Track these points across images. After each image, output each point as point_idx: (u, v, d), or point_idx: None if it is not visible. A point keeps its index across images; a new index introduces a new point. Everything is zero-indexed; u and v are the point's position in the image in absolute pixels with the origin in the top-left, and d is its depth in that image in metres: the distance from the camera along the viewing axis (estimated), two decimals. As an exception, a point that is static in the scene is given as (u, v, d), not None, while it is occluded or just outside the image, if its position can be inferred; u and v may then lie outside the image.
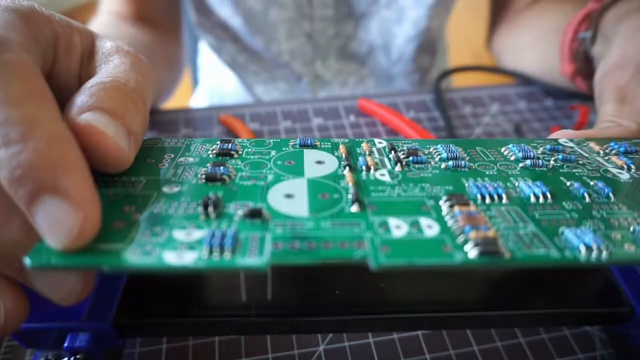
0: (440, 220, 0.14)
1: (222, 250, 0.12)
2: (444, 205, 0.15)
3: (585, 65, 0.31)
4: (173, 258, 0.12)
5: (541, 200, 0.15)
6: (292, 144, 0.18)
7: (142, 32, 0.42)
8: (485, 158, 0.18)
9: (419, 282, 0.18)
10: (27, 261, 0.12)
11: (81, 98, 0.15)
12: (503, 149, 0.18)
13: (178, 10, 0.47)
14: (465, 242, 0.13)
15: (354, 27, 0.46)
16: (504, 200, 0.15)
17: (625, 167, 0.17)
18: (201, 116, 0.35)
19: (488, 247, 0.13)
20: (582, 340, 0.20)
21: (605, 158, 0.18)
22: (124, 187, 0.15)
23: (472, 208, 0.14)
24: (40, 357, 0.16)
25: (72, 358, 0.16)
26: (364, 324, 0.17)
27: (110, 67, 0.17)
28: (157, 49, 0.42)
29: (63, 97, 0.15)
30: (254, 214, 0.14)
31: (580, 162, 0.18)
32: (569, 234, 0.13)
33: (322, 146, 0.18)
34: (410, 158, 0.17)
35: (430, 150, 0.18)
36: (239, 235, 0.13)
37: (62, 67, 0.17)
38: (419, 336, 0.20)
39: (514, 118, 0.35)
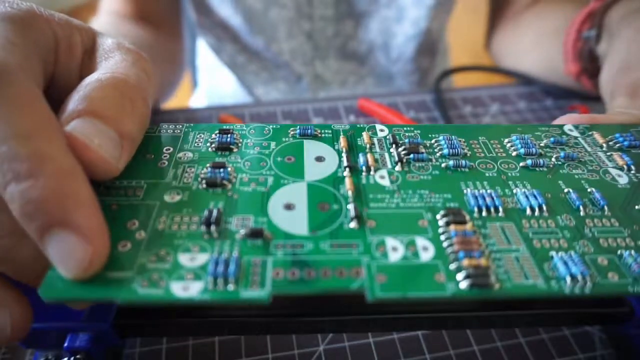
0: (435, 240, 0.14)
1: (226, 281, 0.13)
2: (441, 221, 0.15)
3: (590, 64, 0.31)
4: (179, 290, 0.12)
5: (537, 213, 0.15)
6: (291, 133, 0.18)
7: (143, 31, 0.42)
8: (487, 153, 0.18)
9: None
10: (40, 294, 0.12)
11: (73, 100, 0.14)
12: (506, 140, 0.18)
13: (178, 9, 0.47)
14: (458, 269, 0.13)
15: (354, 27, 0.46)
16: (500, 214, 0.15)
17: (626, 167, 0.17)
18: (201, 116, 0.35)
19: (479, 280, 0.13)
20: (582, 340, 0.20)
21: (608, 154, 0.18)
22: (125, 195, 0.15)
23: (468, 227, 0.14)
24: (40, 357, 0.16)
25: (72, 358, 0.16)
26: (364, 324, 0.17)
27: (110, 64, 0.17)
28: (158, 48, 0.42)
29: (65, 97, 0.15)
30: (255, 234, 0.14)
31: (581, 159, 0.18)
32: (557, 261, 0.14)
33: (323, 135, 0.18)
34: (411, 156, 0.17)
35: (432, 142, 0.18)
36: (241, 260, 0.13)
37: (63, 68, 0.17)
38: (419, 336, 0.20)
39: (514, 118, 0.35)
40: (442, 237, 0.14)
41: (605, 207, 0.16)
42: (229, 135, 0.18)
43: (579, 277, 0.13)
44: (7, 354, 0.19)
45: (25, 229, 0.12)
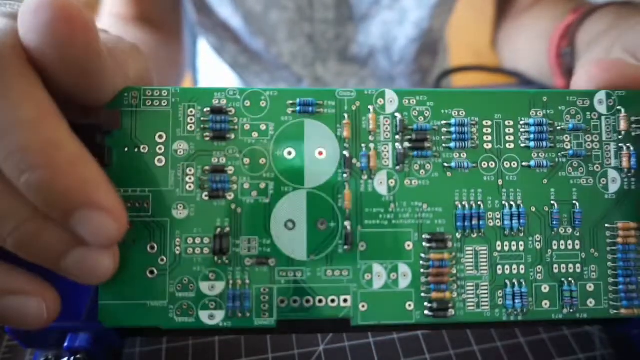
0: (415, 266, 0.16)
1: (242, 312, 0.16)
2: (425, 244, 0.16)
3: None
4: (207, 318, 0.16)
5: (514, 233, 0.17)
6: (291, 110, 0.17)
7: (144, 34, 0.42)
8: (495, 144, 0.17)
9: None
10: (101, 321, 0.15)
11: None
12: (522, 123, 0.17)
13: (179, 11, 0.47)
14: (426, 299, 0.16)
15: (355, 30, 0.46)
16: (481, 234, 0.17)
17: (626, 170, 0.17)
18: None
19: (439, 314, 0.16)
20: (582, 340, 0.20)
21: (620, 145, 0.17)
22: (136, 210, 0.16)
23: (446, 256, 0.16)
24: (40, 357, 0.16)
25: (72, 358, 0.16)
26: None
27: None
28: (160, 51, 0.42)
29: None
30: (261, 262, 0.16)
31: (589, 154, 0.17)
32: (509, 292, 0.16)
33: (325, 111, 0.17)
34: (415, 152, 0.17)
35: (442, 124, 0.17)
36: (252, 290, 0.16)
37: None
38: (419, 336, 0.20)
39: (515, 118, 0.35)
40: (421, 262, 0.16)
41: (578, 229, 0.17)
42: (222, 118, 0.16)
43: (518, 309, 0.16)
44: (8, 354, 0.19)
45: (49, 215, 0.13)
